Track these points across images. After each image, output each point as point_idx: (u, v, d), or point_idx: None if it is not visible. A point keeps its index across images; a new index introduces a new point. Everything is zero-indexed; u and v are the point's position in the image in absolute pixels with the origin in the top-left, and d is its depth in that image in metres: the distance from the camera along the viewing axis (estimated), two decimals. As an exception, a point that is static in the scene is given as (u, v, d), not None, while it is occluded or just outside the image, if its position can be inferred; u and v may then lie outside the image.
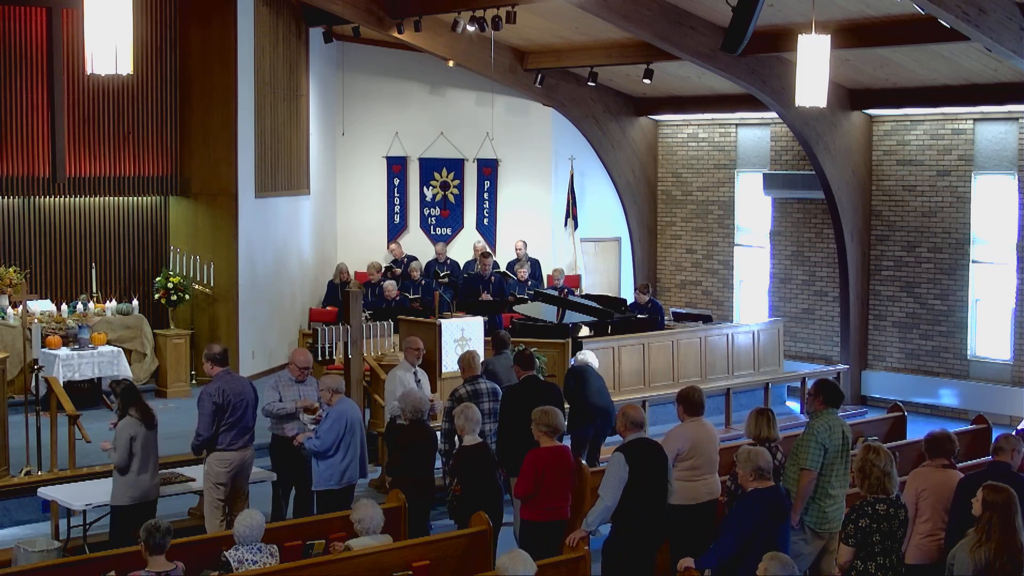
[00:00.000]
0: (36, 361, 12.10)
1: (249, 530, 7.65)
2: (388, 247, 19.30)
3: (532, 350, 10.82)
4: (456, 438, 9.30)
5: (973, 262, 16.39)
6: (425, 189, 19.58)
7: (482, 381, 10.50)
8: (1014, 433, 11.13)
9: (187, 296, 15.90)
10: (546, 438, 8.57)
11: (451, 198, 19.54)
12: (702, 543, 8.22)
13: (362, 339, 12.51)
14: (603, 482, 8.06)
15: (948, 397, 16.42)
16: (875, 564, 7.10)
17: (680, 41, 15.08)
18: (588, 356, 12.30)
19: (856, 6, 13.69)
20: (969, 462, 9.67)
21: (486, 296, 17.23)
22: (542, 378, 11.55)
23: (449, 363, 13.15)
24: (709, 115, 19.15)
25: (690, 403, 8.90)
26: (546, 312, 15.92)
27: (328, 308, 17.55)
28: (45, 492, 10.19)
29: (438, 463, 9.98)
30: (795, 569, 6.70)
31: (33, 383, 11.90)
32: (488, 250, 18.51)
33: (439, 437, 10.09)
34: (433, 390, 12.08)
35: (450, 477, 9.09)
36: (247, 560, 7.58)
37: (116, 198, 16.28)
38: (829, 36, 12.15)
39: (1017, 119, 15.77)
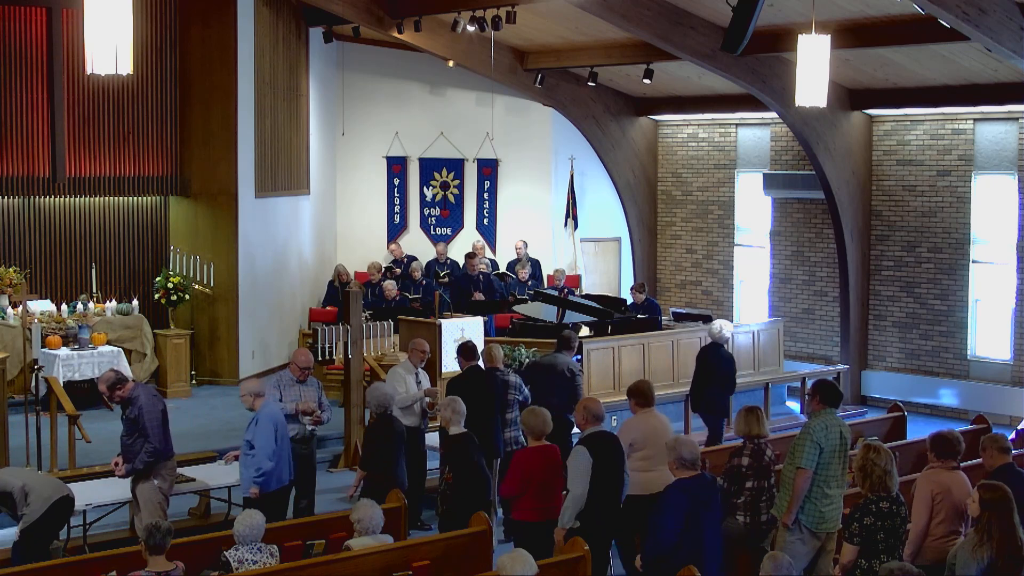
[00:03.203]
0: (36, 361, 12.09)
1: (249, 530, 7.65)
2: (388, 247, 19.30)
3: (534, 349, 10.91)
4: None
5: (973, 262, 16.39)
6: (425, 189, 19.58)
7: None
8: (1013, 434, 11.17)
9: (187, 296, 15.90)
10: (531, 438, 8.68)
11: (451, 198, 19.54)
12: None
13: (362, 339, 12.53)
14: (569, 476, 8.26)
15: (948, 397, 16.42)
16: (879, 562, 7.10)
17: (680, 41, 15.08)
18: (715, 328, 13.13)
19: (856, 6, 13.69)
20: (971, 462, 9.66)
21: (478, 296, 17.23)
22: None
23: (449, 363, 13.17)
24: (709, 115, 19.14)
25: (640, 395, 9.23)
26: (546, 312, 15.92)
27: (328, 308, 17.55)
28: (45, 492, 10.18)
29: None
30: (794, 569, 6.71)
31: (33, 383, 11.90)
32: (473, 250, 18.46)
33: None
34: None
35: (441, 466, 9.25)
36: (247, 560, 7.58)
37: (116, 198, 16.28)
38: (829, 36, 12.15)
39: (1017, 119, 15.77)
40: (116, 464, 9.60)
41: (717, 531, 7.69)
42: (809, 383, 11.40)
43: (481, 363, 11.23)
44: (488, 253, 18.93)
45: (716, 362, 12.95)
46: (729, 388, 13.14)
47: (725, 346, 13.17)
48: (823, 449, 8.19)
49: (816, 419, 8.35)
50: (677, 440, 7.75)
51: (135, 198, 16.44)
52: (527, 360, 13.22)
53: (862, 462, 7.30)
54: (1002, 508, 6.66)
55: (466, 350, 10.93)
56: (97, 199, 16.16)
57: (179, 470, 10.37)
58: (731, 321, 18.36)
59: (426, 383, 11.54)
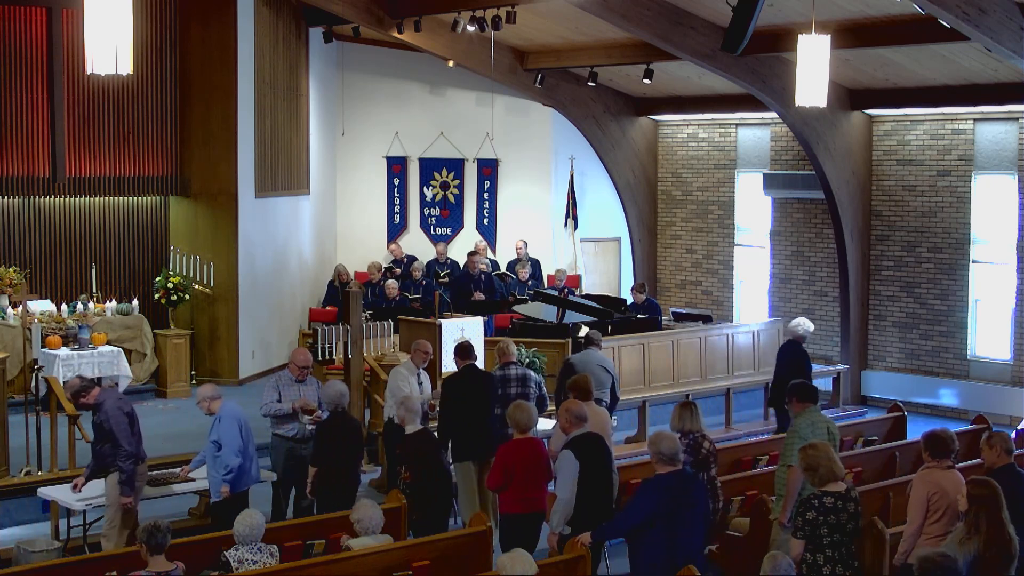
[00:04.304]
0: (36, 361, 12.10)
1: (249, 530, 7.64)
2: (388, 247, 19.31)
3: (534, 349, 10.94)
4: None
5: (973, 262, 16.38)
6: (425, 189, 19.58)
7: (513, 367, 11.02)
8: (1014, 434, 11.17)
9: (187, 296, 15.90)
10: (517, 431, 8.76)
11: (451, 198, 19.55)
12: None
13: (362, 339, 12.52)
14: (557, 481, 8.27)
15: (948, 397, 16.42)
16: (824, 556, 7.12)
17: (680, 41, 15.08)
18: (791, 324, 13.54)
19: (856, 6, 13.69)
20: (969, 463, 9.66)
21: (478, 295, 17.23)
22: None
23: (449, 363, 13.17)
24: (709, 115, 19.14)
25: (578, 390, 9.55)
26: (546, 312, 15.92)
27: (328, 308, 17.55)
28: (45, 492, 10.20)
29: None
30: (792, 570, 6.71)
31: (33, 383, 11.90)
32: (474, 248, 18.47)
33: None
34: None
35: (399, 465, 9.30)
36: (247, 560, 7.58)
37: (116, 198, 16.29)
38: (829, 36, 12.16)
39: (1017, 119, 15.76)
40: (76, 487, 9.62)
41: (698, 527, 7.63)
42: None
43: (479, 362, 11.26)
44: (488, 253, 18.93)
45: (790, 359, 13.16)
46: None
47: (803, 344, 13.31)
48: None
49: (801, 417, 8.53)
50: (658, 435, 7.70)
51: (135, 198, 16.44)
52: (527, 360, 13.24)
53: (806, 462, 7.33)
54: (991, 503, 6.71)
55: (462, 349, 10.97)
56: (97, 199, 16.16)
57: (178, 470, 10.38)
58: (732, 321, 18.41)
59: (427, 384, 11.55)
